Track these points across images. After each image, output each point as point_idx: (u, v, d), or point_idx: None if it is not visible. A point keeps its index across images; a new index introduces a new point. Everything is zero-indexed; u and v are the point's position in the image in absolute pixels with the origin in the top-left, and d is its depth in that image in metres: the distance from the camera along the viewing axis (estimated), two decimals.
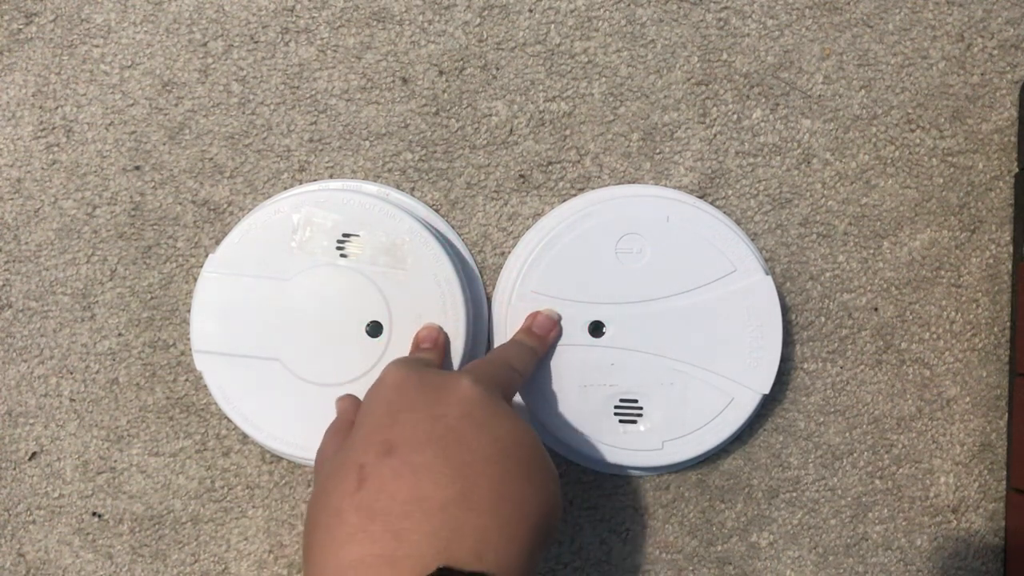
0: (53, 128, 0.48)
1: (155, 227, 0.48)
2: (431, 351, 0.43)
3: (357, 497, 0.32)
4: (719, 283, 0.46)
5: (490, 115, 0.48)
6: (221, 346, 0.45)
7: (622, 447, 0.46)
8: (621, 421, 0.46)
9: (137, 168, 0.48)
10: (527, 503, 0.32)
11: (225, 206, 0.48)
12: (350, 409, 0.41)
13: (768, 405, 0.48)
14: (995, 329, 0.49)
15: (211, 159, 0.48)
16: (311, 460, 0.47)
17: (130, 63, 0.48)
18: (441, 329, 0.45)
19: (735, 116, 0.49)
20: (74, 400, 0.48)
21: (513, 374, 0.41)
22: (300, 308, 0.45)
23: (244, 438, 0.48)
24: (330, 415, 0.44)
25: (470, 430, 0.34)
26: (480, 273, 0.48)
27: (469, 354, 0.46)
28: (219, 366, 0.45)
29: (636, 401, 0.46)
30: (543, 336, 0.45)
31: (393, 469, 0.32)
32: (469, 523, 0.31)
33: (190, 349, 0.46)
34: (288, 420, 0.45)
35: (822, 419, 0.49)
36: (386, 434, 0.34)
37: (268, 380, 0.45)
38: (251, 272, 0.45)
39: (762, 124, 0.49)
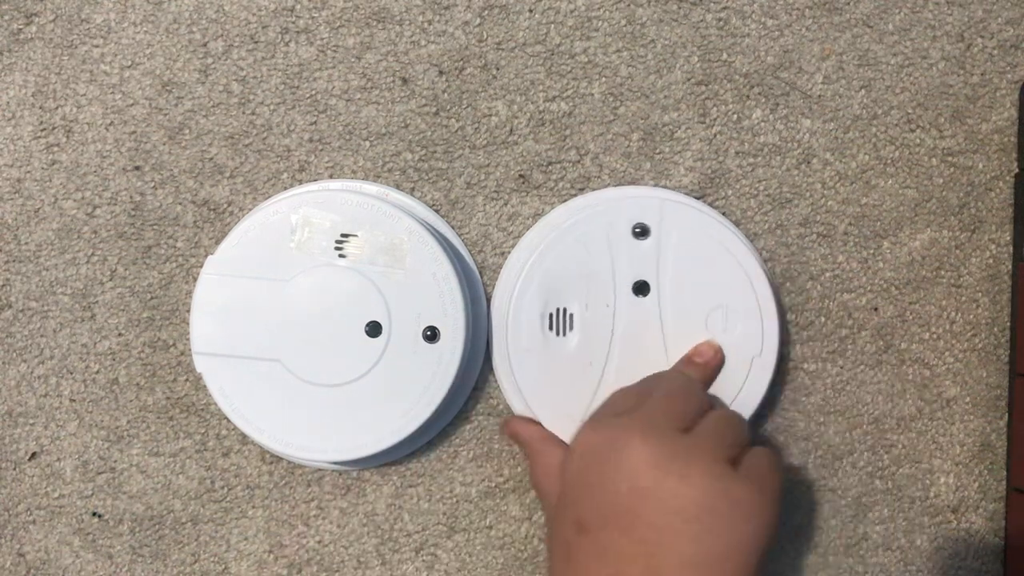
0: (53, 128, 0.48)
1: (155, 227, 0.48)
2: (699, 368, 0.44)
3: (567, 572, 0.36)
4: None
5: (490, 115, 0.48)
6: (221, 348, 0.45)
7: None
8: None
9: (137, 168, 0.48)
10: (721, 558, 0.33)
11: (225, 206, 0.48)
12: (540, 437, 0.45)
13: (768, 405, 0.48)
14: (995, 329, 0.49)
15: (211, 159, 0.48)
16: (311, 460, 0.47)
17: (130, 63, 0.48)
18: (719, 351, 0.45)
19: (735, 116, 0.49)
20: (74, 400, 0.48)
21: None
22: (299, 309, 0.45)
23: (244, 438, 0.48)
24: (328, 415, 0.45)
25: (642, 504, 0.35)
26: (480, 273, 0.48)
27: (468, 355, 0.46)
28: (219, 368, 0.45)
29: None
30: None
31: (586, 548, 0.35)
32: None
33: (190, 349, 0.46)
34: (288, 421, 0.45)
35: (822, 419, 0.49)
36: (577, 512, 0.36)
37: (268, 381, 0.45)
38: (250, 273, 0.45)
39: (762, 124, 0.49)
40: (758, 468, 0.37)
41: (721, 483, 0.35)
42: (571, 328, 0.46)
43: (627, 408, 0.39)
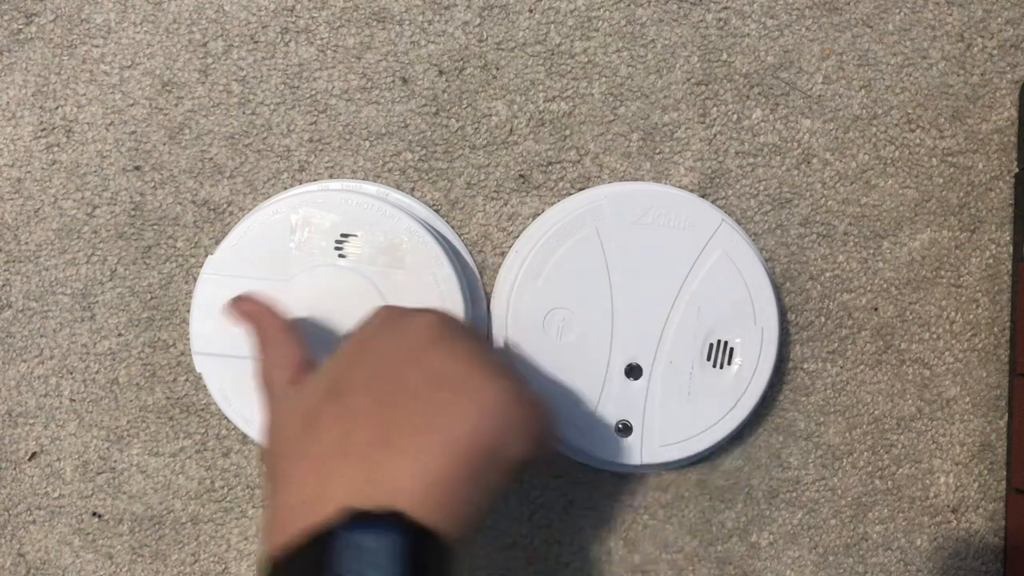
0: (53, 128, 0.48)
1: (155, 227, 0.48)
2: None
3: (298, 442, 0.32)
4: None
5: (490, 115, 0.48)
6: (221, 348, 0.45)
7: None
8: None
9: (137, 168, 0.48)
10: (454, 434, 0.31)
11: (225, 206, 0.48)
12: (277, 324, 0.39)
13: (768, 405, 0.48)
14: (995, 329, 0.49)
15: (211, 159, 0.48)
16: None
17: (130, 63, 0.48)
18: None
19: (735, 116, 0.49)
20: (74, 400, 0.48)
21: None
22: (299, 309, 0.45)
23: (244, 438, 0.48)
24: None
25: (408, 367, 0.33)
26: (480, 273, 0.48)
27: None
28: (219, 367, 0.45)
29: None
30: None
31: (334, 413, 0.33)
32: (385, 462, 0.31)
33: (190, 349, 0.46)
34: None
35: (822, 419, 0.49)
36: (338, 376, 0.34)
37: None
38: (250, 274, 0.45)
39: (762, 124, 0.49)
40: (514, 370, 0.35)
41: (501, 380, 0.33)
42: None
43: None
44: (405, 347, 0.34)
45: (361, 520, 0.29)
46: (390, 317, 0.36)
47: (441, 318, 0.36)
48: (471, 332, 0.36)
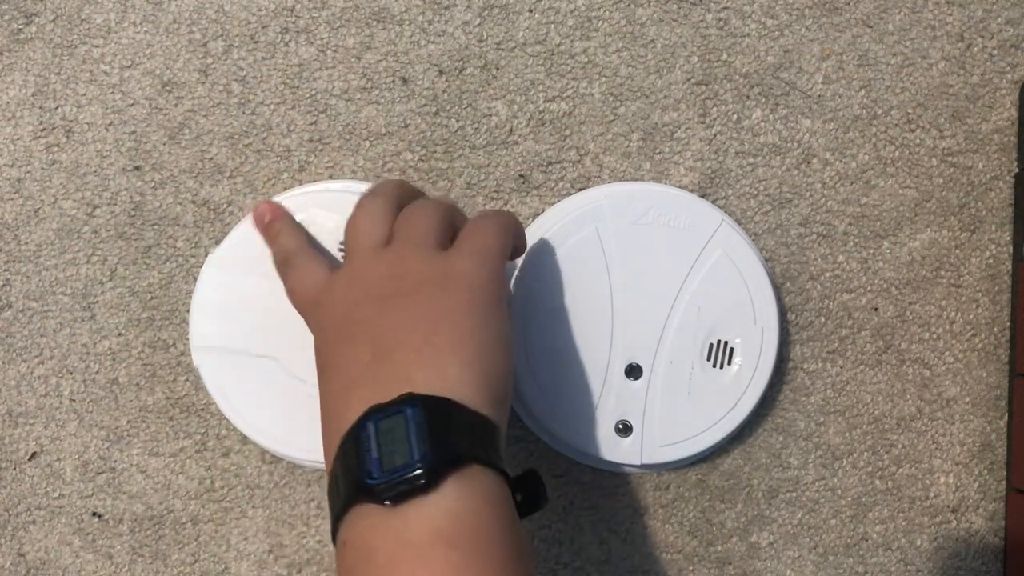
0: (53, 128, 0.48)
1: (155, 227, 0.48)
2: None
3: (330, 356, 0.37)
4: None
5: (490, 115, 0.48)
6: (220, 345, 0.45)
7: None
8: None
9: (137, 168, 0.48)
10: (439, 318, 0.36)
11: (225, 206, 0.48)
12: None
13: (768, 405, 0.48)
14: (995, 329, 0.49)
15: (211, 159, 0.48)
16: (310, 461, 0.47)
17: (130, 63, 0.48)
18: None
19: (735, 116, 0.49)
20: (74, 400, 0.48)
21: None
22: None
23: (244, 438, 0.48)
24: None
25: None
26: None
27: None
28: (218, 365, 0.45)
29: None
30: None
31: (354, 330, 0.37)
32: (435, 359, 0.35)
33: (190, 349, 0.46)
34: (288, 421, 0.45)
35: (822, 419, 0.49)
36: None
37: (268, 381, 0.45)
38: (251, 272, 0.45)
39: (762, 124, 0.49)
40: (472, 242, 0.39)
41: (430, 264, 0.37)
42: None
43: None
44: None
45: (380, 411, 0.33)
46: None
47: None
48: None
